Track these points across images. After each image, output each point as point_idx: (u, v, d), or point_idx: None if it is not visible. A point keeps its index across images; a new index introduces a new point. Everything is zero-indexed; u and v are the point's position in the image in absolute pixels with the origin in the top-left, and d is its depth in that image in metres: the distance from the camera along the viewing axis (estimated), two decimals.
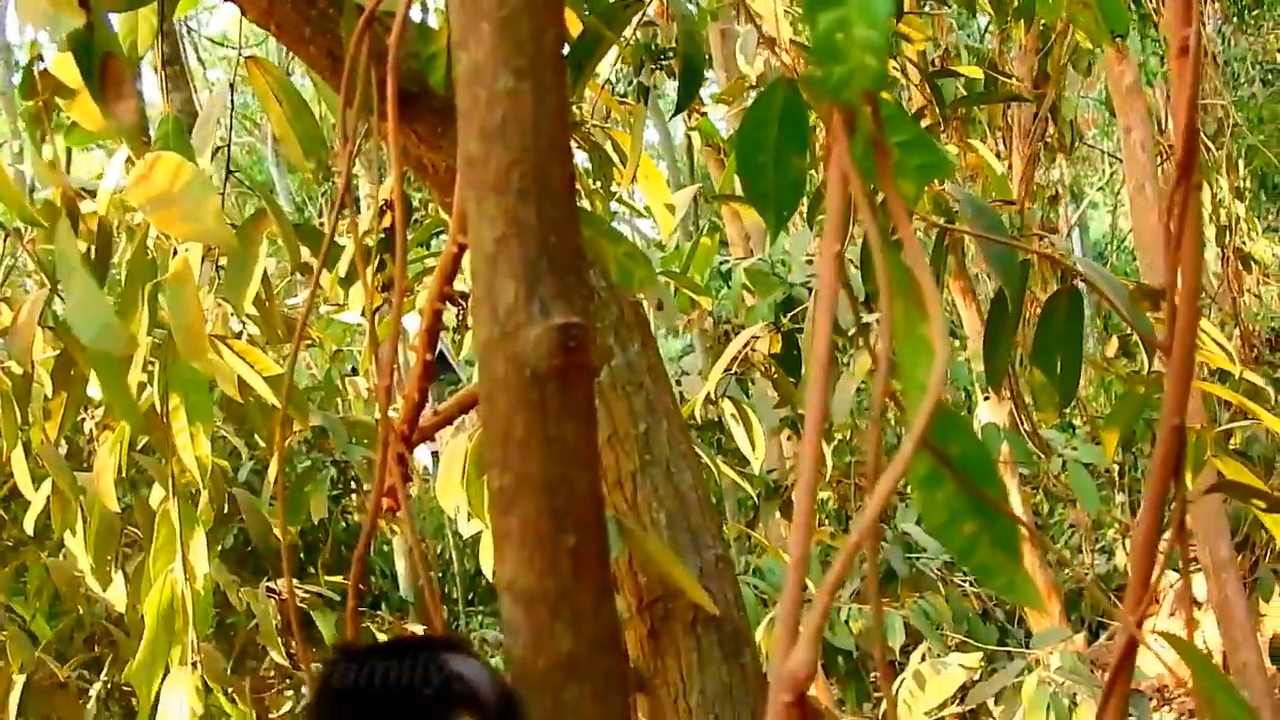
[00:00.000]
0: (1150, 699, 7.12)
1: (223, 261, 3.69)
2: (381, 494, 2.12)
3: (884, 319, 1.36)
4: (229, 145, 4.04)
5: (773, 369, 5.37)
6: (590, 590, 1.43)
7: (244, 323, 4.42)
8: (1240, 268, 10.36)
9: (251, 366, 3.63)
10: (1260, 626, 7.74)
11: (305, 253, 4.56)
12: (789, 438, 8.25)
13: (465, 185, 1.45)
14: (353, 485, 8.81)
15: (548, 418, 1.43)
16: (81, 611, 5.59)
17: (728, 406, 4.74)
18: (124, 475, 4.76)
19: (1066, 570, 10.45)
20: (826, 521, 8.88)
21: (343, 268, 3.95)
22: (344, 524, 11.06)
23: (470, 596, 16.18)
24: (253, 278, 3.24)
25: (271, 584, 4.91)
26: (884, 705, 6.47)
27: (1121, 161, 9.91)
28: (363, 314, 3.99)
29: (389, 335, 2.10)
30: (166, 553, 3.24)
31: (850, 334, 6.97)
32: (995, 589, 1.47)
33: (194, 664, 3.13)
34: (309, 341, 5.14)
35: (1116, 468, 9.92)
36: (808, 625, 1.24)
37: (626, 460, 2.04)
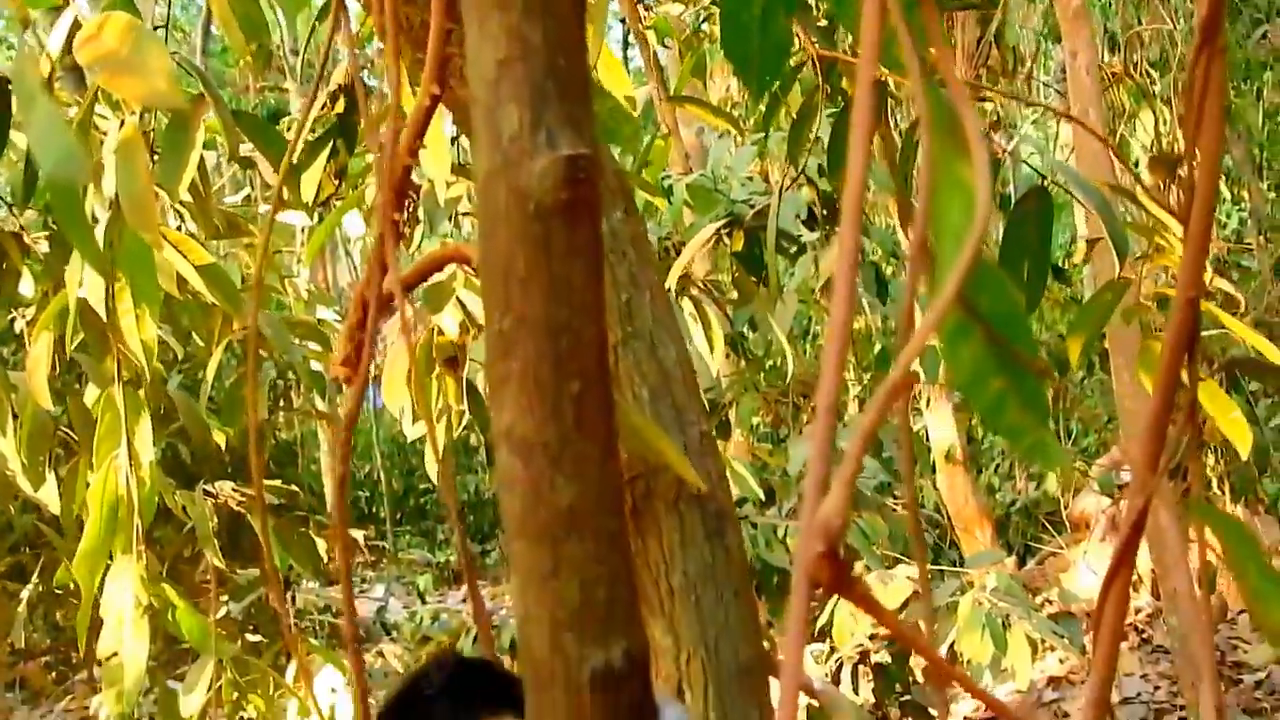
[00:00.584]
0: (1082, 622, 7.12)
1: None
2: (349, 359, 2.01)
3: (924, 159, 1.26)
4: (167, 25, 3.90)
5: (731, 270, 5.26)
6: (594, 442, 1.33)
7: (180, 218, 4.29)
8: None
9: (187, 258, 3.50)
10: (1189, 553, 7.74)
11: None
12: (727, 356, 8.17)
13: (466, 4, 1.34)
14: (290, 389, 8.70)
15: (552, 256, 1.32)
16: (13, 516, 5.46)
17: (687, 305, 4.64)
18: (58, 373, 4.63)
19: (996, 494, 10.49)
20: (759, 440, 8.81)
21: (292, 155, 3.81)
22: (273, 440, 10.95)
23: (398, 516, 16.10)
24: (189, 163, 3.11)
25: (208, 487, 4.78)
26: (819, 621, 6.43)
27: (1060, 94, 9.86)
28: (314, 201, 3.86)
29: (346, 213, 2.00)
30: (110, 440, 3.12)
31: (793, 251, 6.89)
32: (1022, 451, 1.38)
33: (139, 553, 3.02)
34: (247, 240, 4.98)
35: (1050, 393, 9.90)
36: (840, 473, 1.14)
37: (608, 332, 1.93)
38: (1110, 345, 7.53)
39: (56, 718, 11.22)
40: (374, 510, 15.71)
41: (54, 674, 11.86)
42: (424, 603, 12.86)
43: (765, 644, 2.08)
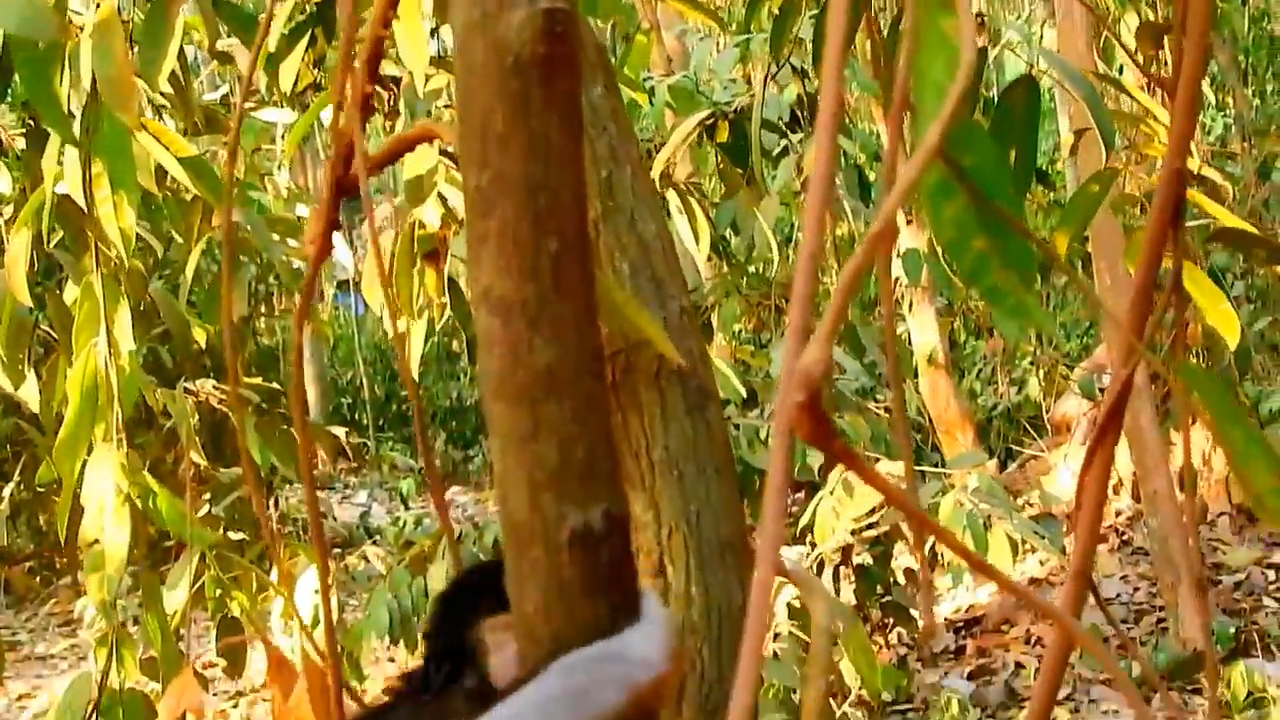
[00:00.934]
0: (1062, 524, 7.14)
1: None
2: (319, 236, 1.99)
3: (908, 12, 1.24)
4: None
5: (716, 163, 5.24)
6: (572, 302, 1.32)
7: (159, 114, 4.25)
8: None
9: (168, 149, 3.47)
10: (1170, 456, 7.77)
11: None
12: (710, 259, 8.15)
13: None
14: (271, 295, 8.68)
15: (530, 112, 1.31)
16: None
17: (672, 197, 4.62)
18: (37, 271, 4.60)
19: (978, 399, 10.51)
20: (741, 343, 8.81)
21: (271, 42, 3.78)
22: (255, 345, 10.93)
23: (381, 422, 16.11)
24: (168, 53, 3.08)
25: (189, 385, 4.76)
26: (801, 523, 6.44)
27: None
28: (292, 91, 3.82)
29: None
30: (89, 328, 3.10)
31: (775, 153, 6.86)
32: (1003, 311, 1.37)
33: (119, 441, 3.01)
34: (225, 139, 4.94)
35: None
36: (822, 323, 1.13)
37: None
38: (1093, 248, 7.52)
39: (41, 620, 11.26)
40: (356, 416, 15.73)
41: (38, 578, 11.90)
42: (407, 507, 12.91)
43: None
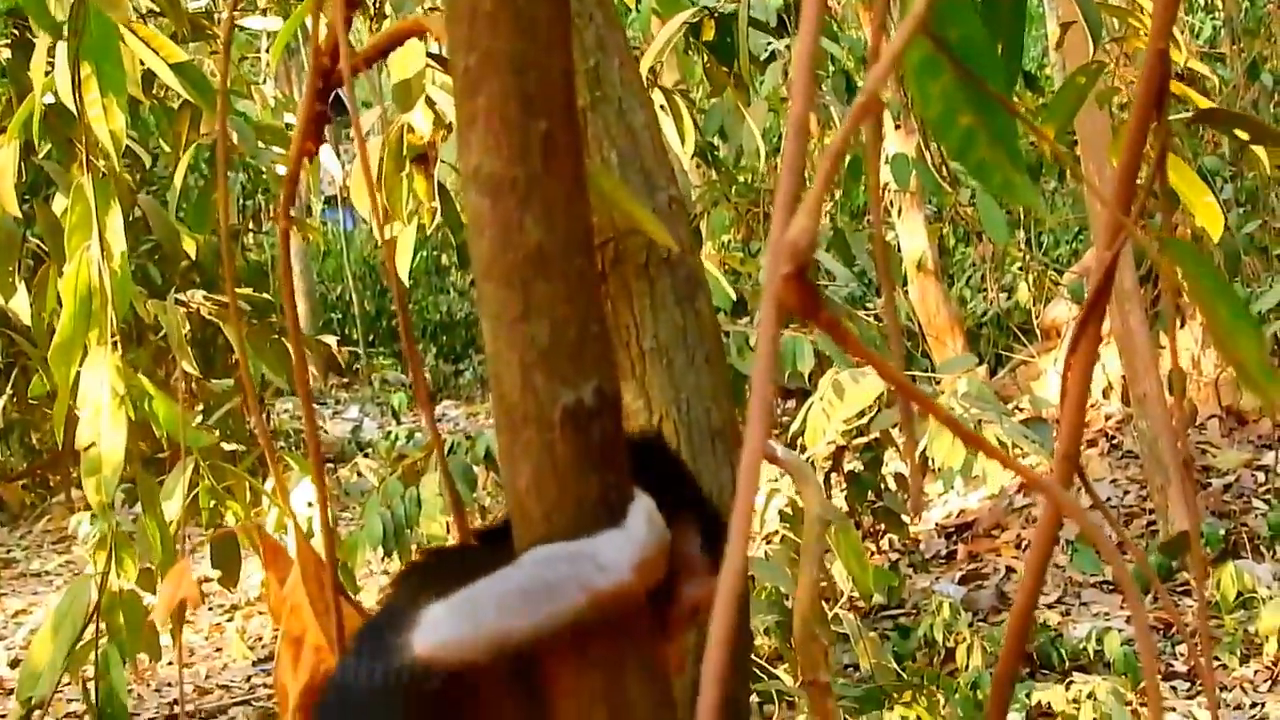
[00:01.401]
0: (1052, 428, 7.16)
1: None
2: (303, 138, 1.99)
3: None
4: None
5: (703, 63, 5.22)
6: (562, 181, 1.33)
7: (145, 18, 4.23)
8: None
9: (157, 54, 3.45)
10: (1159, 359, 7.79)
11: None
12: (699, 166, 8.14)
13: None
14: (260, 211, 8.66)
15: None
16: None
17: (658, 96, 4.60)
18: (24, 182, 4.59)
19: (968, 305, 10.53)
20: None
21: None
22: (244, 260, 10.92)
23: (371, 338, 16.12)
24: None
25: (180, 296, 4.77)
26: (791, 429, 6.46)
27: None
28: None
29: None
30: (81, 232, 3.10)
31: (763, 59, 6.83)
32: (991, 188, 1.38)
33: (114, 343, 3.02)
34: (211, 49, 4.92)
35: (1022, 204, 9.91)
36: (809, 196, 1.14)
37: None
38: (1081, 150, 7.51)
39: (35, 537, 11.31)
40: (346, 332, 15.71)
41: (31, 495, 11.94)
42: (399, 422, 12.93)
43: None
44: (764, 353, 1.08)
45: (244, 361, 2.32)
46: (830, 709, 1.94)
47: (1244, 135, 1.75)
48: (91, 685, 3.23)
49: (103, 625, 3.48)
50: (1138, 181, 1.66)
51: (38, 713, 3.16)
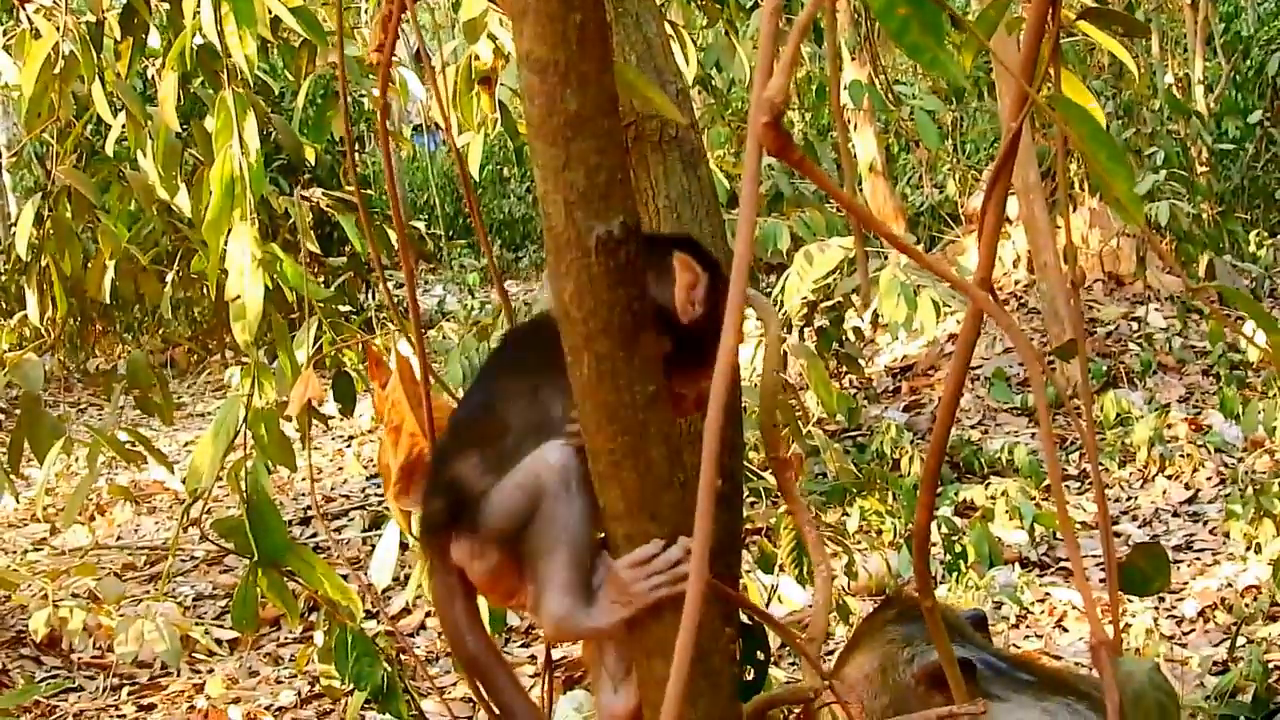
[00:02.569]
0: None
1: None
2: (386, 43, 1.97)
3: None
4: None
5: None
6: (593, 60, 1.33)
7: None
8: None
9: (280, 1, 3.43)
10: (1056, 235, 7.75)
11: None
12: (698, 92, 8.06)
13: None
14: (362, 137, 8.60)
15: None
16: (155, 221, 5.47)
17: (666, 27, 4.53)
18: (182, 105, 4.57)
19: (908, 199, 10.47)
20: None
21: None
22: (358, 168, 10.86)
23: (450, 233, 16.06)
24: None
25: (303, 193, 4.76)
26: (772, 295, 6.46)
27: None
28: None
29: None
30: (225, 133, 3.10)
31: (748, 5, 6.75)
32: (922, 64, 1.37)
33: (253, 220, 3.03)
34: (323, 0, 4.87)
35: (950, 119, 9.84)
36: (782, 59, 1.14)
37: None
38: (996, 74, 7.43)
39: (199, 386, 11.40)
40: (431, 228, 15.68)
41: (194, 356, 12.03)
42: (473, 296, 12.96)
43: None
44: (748, 186, 1.08)
45: (373, 240, 2.29)
46: (789, 480, 1.95)
47: (1118, 29, 1.73)
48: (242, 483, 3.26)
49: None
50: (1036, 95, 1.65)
51: (199, 503, 3.21)
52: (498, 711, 1.81)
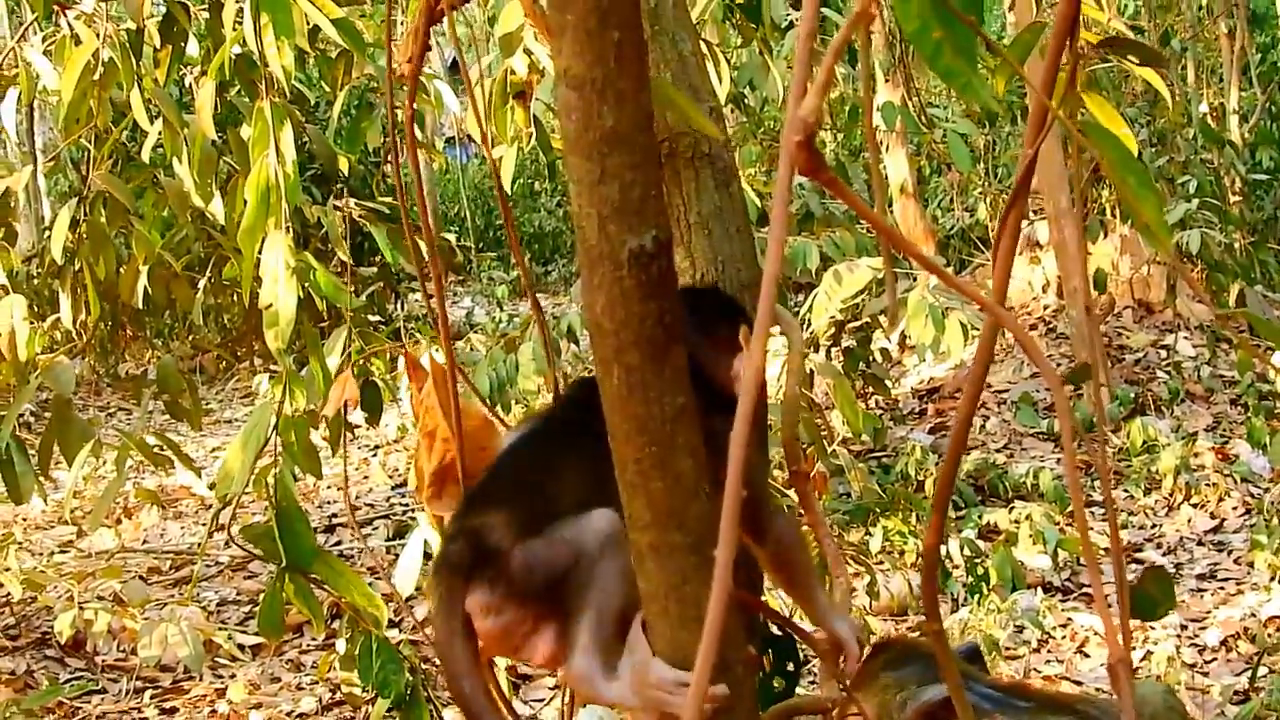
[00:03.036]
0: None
1: None
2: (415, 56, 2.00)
3: None
4: None
5: (734, 21, 5.17)
6: (630, 78, 1.35)
7: None
8: None
9: (320, 10, 3.47)
10: (1087, 262, 7.75)
11: None
12: (731, 110, 8.09)
13: None
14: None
15: None
16: (189, 227, 5.52)
17: (701, 46, 4.56)
18: (220, 113, 4.62)
19: (939, 222, 10.46)
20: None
21: None
22: (382, 180, 10.93)
23: (480, 245, 16.12)
24: None
25: (336, 203, 4.80)
26: (800, 314, 6.47)
27: None
28: None
29: None
30: (261, 143, 3.14)
31: (783, 25, 6.78)
32: (955, 88, 1.39)
33: (287, 228, 3.06)
34: (360, 11, 4.92)
35: (983, 142, 9.83)
36: (816, 83, 1.16)
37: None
38: (1029, 94, 7.41)
39: (227, 393, 11.46)
40: (461, 241, 15.73)
41: (223, 363, 12.11)
42: (501, 309, 12.99)
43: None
44: (779, 205, 1.10)
45: (411, 250, 2.32)
46: (809, 493, 1.96)
47: (1134, 58, 1.75)
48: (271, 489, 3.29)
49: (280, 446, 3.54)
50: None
51: (229, 509, 3.24)
52: None
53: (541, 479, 1.79)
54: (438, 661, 2.02)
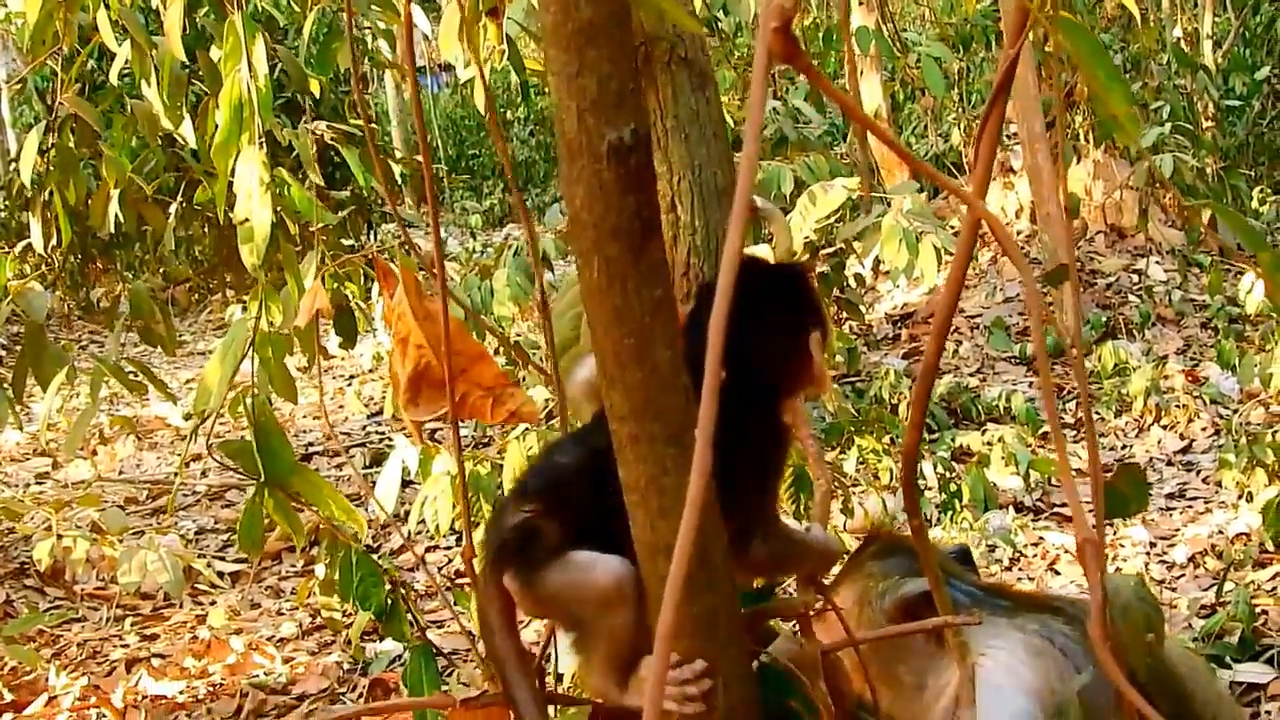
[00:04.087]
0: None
1: None
2: None
3: None
4: None
5: None
6: None
7: None
8: None
9: None
10: (1059, 187, 7.76)
11: None
12: (706, 36, 8.03)
13: None
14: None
15: None
16: (159, 153, 5.47)
17: None
18: (188, 34, 4.58)
19: (914, 148, 10.45)
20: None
21: None
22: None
23: (451, 175, 16.06)
24: None
25: (308, 125, 4.77)
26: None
27: None
28: None
29: None
30: (233, 57, 3.11)
31: None
32: (932, 5, 1.40)
33: (260, 144, 3.05)
34: None
35: (957, 68, 9.81)
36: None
37: None
38: (1004, 25, 7.40)
39: (200, 325, 11.44)
40: (434, 172, 15.67)
41: (195, 295, 12.07)
42: (474, 238, 12.98)
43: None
44: (756, 94, 1.11)
45: (377, 172, 2.32)
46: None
47: None
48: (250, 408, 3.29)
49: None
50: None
51: (207, 423, 3.24)
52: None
53: (599, 490, 1.71)
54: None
